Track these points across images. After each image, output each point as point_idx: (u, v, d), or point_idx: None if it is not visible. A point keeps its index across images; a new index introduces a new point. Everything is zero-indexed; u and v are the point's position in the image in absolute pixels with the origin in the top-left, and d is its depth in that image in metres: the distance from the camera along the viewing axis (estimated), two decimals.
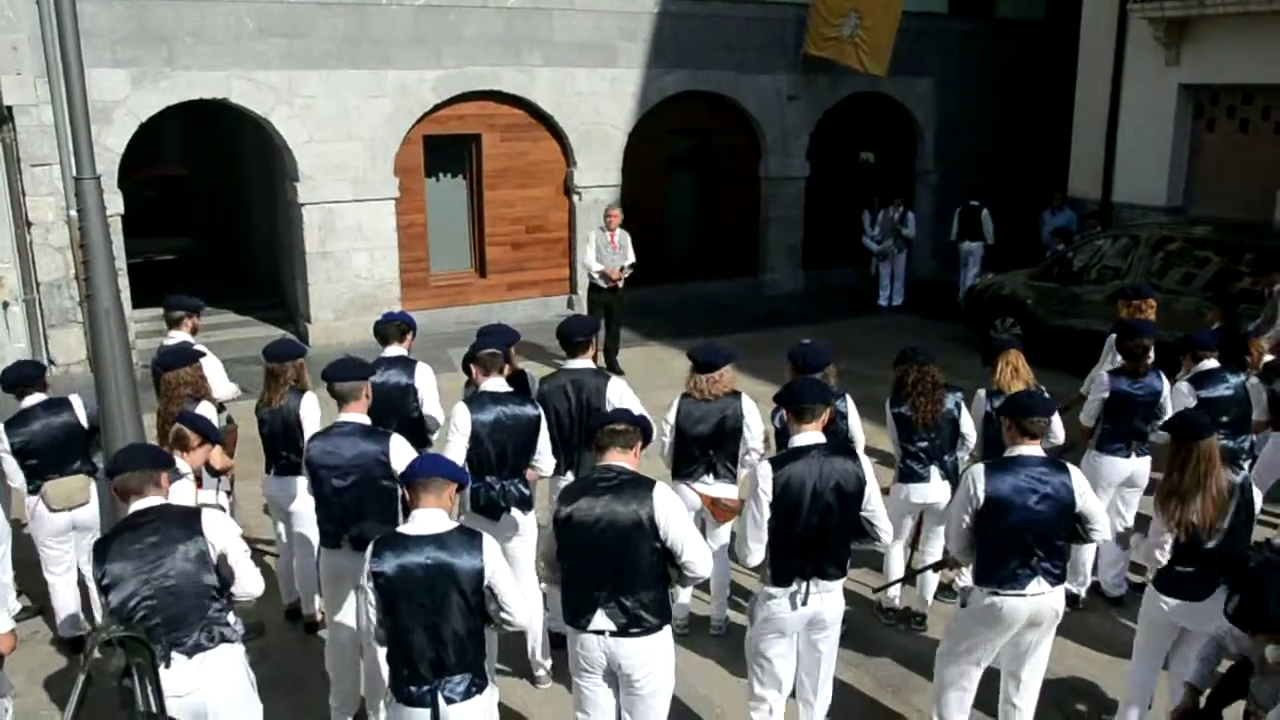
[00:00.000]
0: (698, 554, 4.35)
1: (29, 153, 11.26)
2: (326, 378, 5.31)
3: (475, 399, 5.61)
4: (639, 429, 4.52)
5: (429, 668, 3.97)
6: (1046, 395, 5.31)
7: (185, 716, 3.98)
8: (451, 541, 3.97)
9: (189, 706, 4.04)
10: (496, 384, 5.68)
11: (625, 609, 4.31)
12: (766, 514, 4.57)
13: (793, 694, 4.98)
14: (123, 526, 4.13)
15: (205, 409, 5.97)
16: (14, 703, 4.63)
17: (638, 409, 5.71)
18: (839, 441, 5.28)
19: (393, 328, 6.59)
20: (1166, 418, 5.69)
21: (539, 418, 5.67)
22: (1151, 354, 6.60)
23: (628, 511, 4.25)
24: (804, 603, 4.63)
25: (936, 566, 6.12)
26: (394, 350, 6.52)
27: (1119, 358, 6.73)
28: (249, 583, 4.29)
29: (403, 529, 4.07)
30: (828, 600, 4.70)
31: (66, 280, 11.62)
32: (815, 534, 4.56)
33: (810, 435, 4.67)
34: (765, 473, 4.59)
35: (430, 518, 4.01)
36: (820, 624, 4.75)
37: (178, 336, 7.12)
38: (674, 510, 4.32)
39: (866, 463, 4.70)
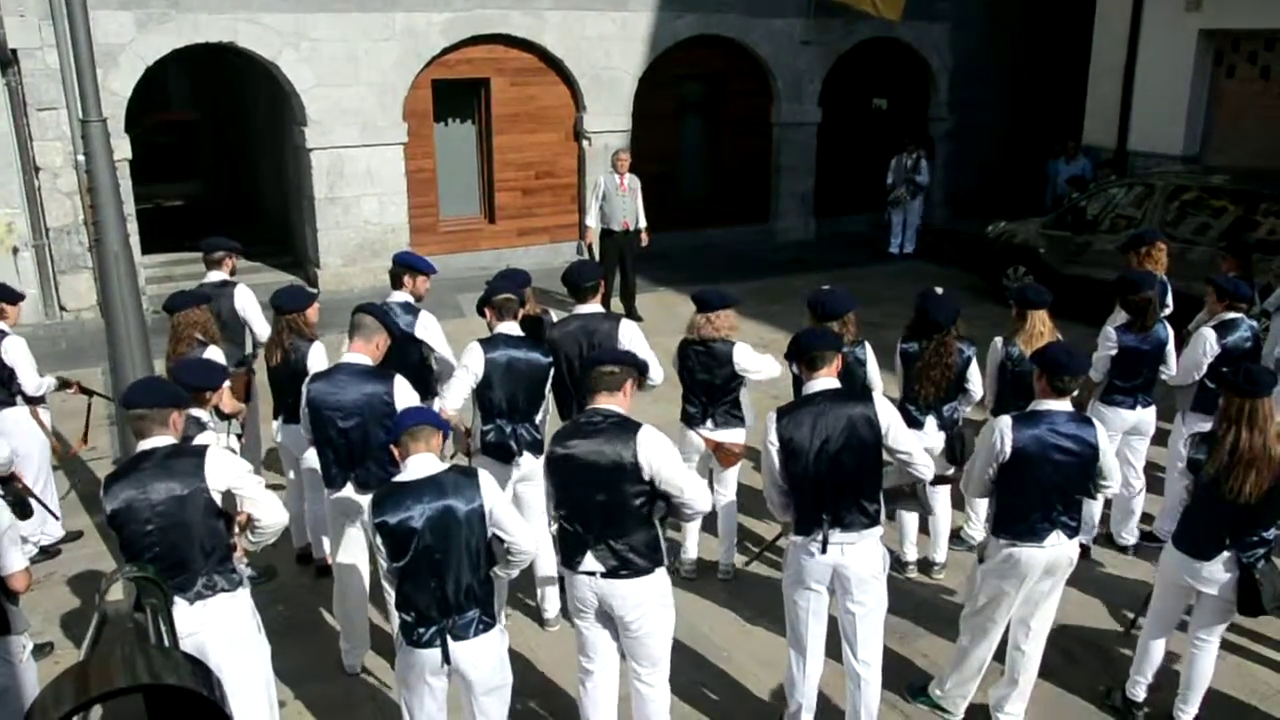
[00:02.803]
0: (692, 489, 4.34)
1: (35, 97, 11.20)
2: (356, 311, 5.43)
3: (489, 340, 5.62)
4: (628, 368, 4.49)
5: (437, 609, 4.02)
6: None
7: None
8: (449, 482, 4.02)
9: (191, 646, 4.05)
10: (510, 328, 5.68)
11: (614, 551, 4.33)
12: (777, 463, 4.56)
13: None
14: (130, 465, 4.13)
15: (213, 353, 5.97)
16: (32, 640, 4.69)
17: (647, 353, 5.75)
18: (852, 387, 5.21)
19: (400, 269, 6.56)
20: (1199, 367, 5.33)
21: (550, 365, 5.69)
22: (1170, 304, 6.46)
23: (612, 453, 4.25)
24: (824, 550, 4.54)
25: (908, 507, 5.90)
26: (399, 296, 6.50)
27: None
28: (270, 513, 4.30)
29: (399, 477, 4.08)
30: (851, 553, 4.56)
31: (75, 225, 11.62)
32: (829, 481, 4.49)
33: (822, 382, 4.62)
34: (771, 421, 4.59)
35: (423, 463, 4.06)
36: (847, 580, 4.61)
37: (216, 277, 7.17)
38: (659, 450, 4.28)
39: (883, 402, 4.61)
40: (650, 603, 4.44)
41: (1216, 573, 4.80)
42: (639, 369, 4.61)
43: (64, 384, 7.02)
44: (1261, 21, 12.87)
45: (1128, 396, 6.53)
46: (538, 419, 5.76)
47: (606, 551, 4.34)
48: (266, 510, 4.29)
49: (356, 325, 5.36)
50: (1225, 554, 4.77)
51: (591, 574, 4.38)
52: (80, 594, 6.39)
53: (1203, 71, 13.75)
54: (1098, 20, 14.88)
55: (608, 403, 4.42)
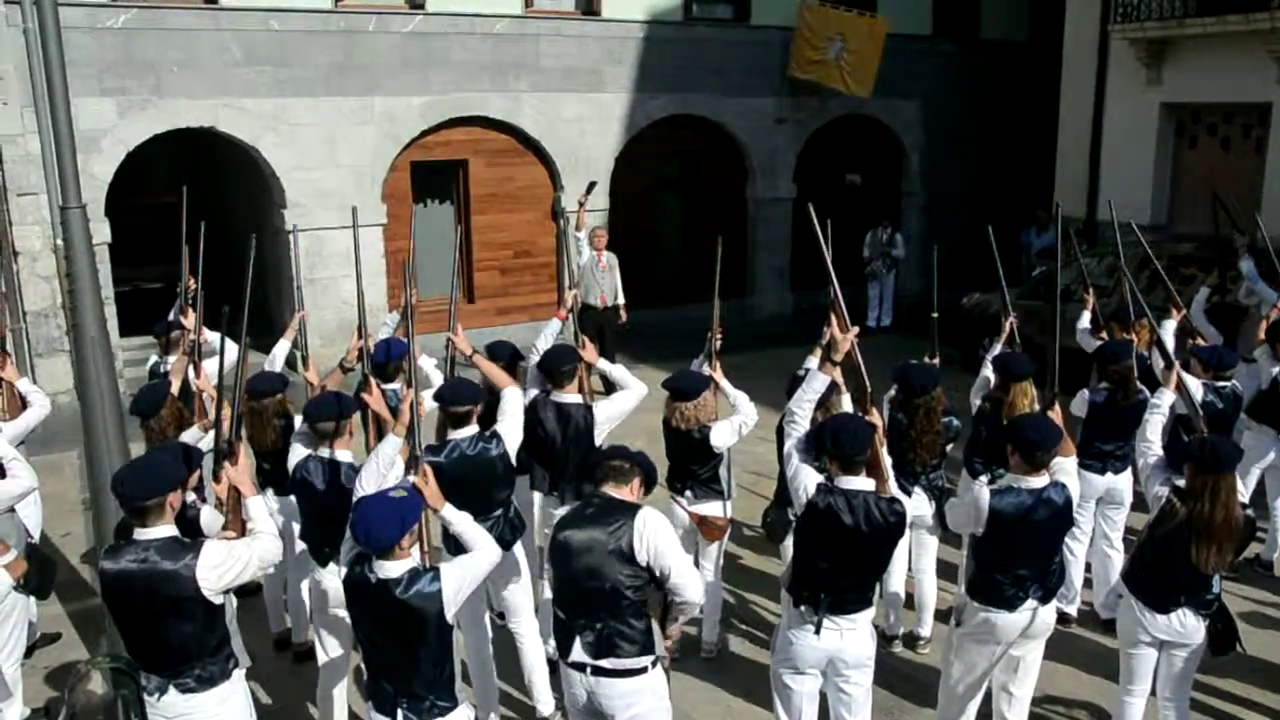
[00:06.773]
0: (686, 578, 4.18)
1: (15, 182, 11.26)
2: (308, 416, 5.27)
3: (436, 447, 5.34)
4: (637, 467, 4.40)
5: (388, 681, 3.90)
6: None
7: None
8: (410, 581, 3.80)
9: None
10: (465, 433, 5.39)
11: (599, 633, 4.17)
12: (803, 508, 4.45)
13: None
14: (124, 551, 3.89)
15: (191, 435, 5.83)
16: None
17: (614, 419, 5.88)
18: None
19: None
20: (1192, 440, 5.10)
21: (504, 455, 5.38)
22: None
23: (606, 536, 4.14)
24: (818, 633, 4.45)
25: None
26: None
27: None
28: (269, 555, 4.21)
29: (374, 562, 3.85)
30: (850, 639, 4.50)
31: (54, 309, 11.59)
32: (843, 569, 4.41)
33: (858, 482, 4.44)
34: (811, 483, 4.44)
35: (397, 565, 3.82)
36: (843, 665, 4.55)
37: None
38: (659, 534, 4.15)
39: (909, 504, 4.56)
40: (643, 704, 4.26)
41: (1177, 620, 4.83)
42: (647, 472, 4.45)
43: None
44: (1219, 95, 13.26)
45: (1098, 461, 6.54)
46: (511, 509, 5.55)
47: (591, 635, 4.18)
48: (266, 556, 4.18)
49: (324, 434, 5.19)
50: (1183, 608, 4.81)
51: (582, 668, 4.22)
52: (54, 686, 6.25)
53: (1166, 143, 14.11)
54: (1063, 95, 15.26)
55: (613, 492, 4.33)
